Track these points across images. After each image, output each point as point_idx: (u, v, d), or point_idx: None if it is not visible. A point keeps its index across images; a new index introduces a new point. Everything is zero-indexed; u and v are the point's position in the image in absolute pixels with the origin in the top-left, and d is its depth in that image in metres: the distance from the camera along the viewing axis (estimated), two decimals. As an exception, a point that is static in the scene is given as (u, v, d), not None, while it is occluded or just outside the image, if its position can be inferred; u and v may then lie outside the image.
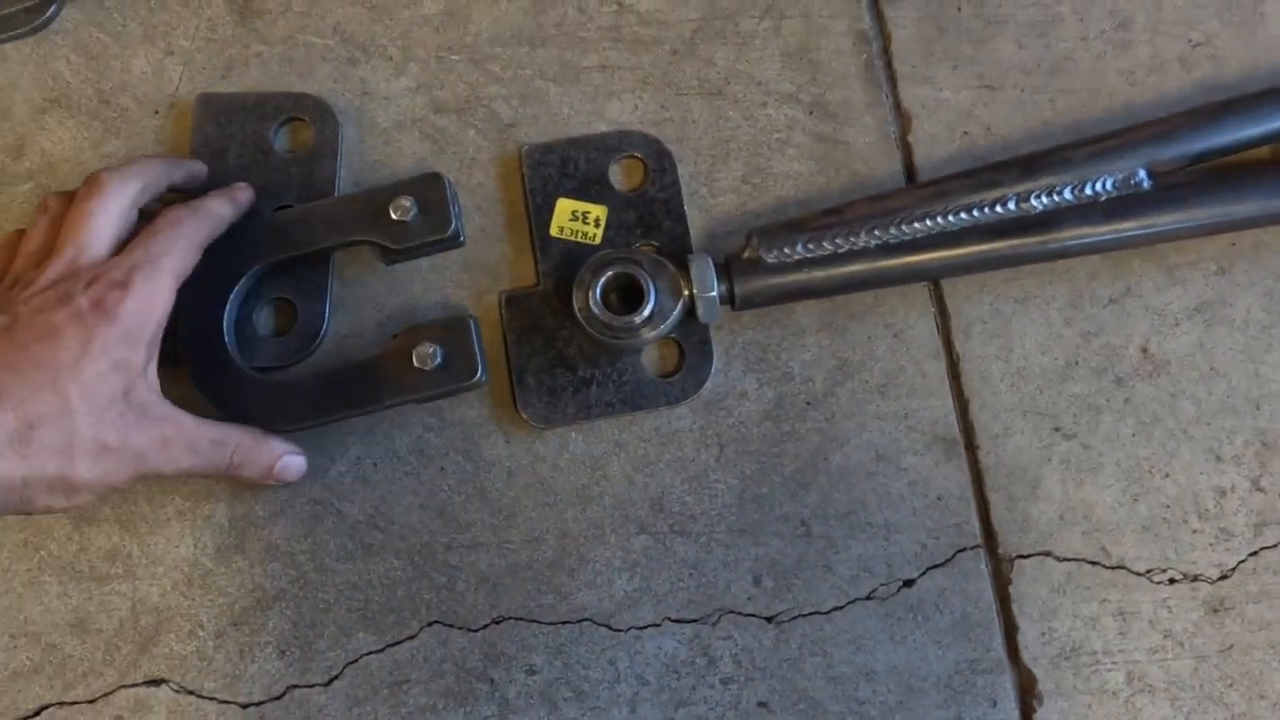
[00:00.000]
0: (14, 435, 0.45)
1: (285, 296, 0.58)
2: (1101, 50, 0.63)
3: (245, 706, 0.54)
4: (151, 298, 0.49)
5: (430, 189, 0.56)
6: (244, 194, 0.57)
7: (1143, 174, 0.56)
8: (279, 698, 0.54)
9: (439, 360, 0.54)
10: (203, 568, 0.56)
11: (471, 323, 0.55)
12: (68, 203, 0.53)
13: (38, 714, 0.55)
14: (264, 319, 0.59)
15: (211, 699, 0.54)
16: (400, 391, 0.54)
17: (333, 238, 0.56)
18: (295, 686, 0.54)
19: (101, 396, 0.47)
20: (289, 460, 0.54)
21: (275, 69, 0.63)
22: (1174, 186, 0.57)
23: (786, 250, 0.56)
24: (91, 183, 0.52)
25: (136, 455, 0.48)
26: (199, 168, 0.58)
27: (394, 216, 0.55)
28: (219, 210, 0.55)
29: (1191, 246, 0.60)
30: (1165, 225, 0.56)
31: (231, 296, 0.55)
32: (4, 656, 0.55)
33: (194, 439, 0.50)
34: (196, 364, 0.54)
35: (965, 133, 0.62)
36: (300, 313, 0.58)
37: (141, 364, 0.49)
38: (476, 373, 0.54)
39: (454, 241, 0.58)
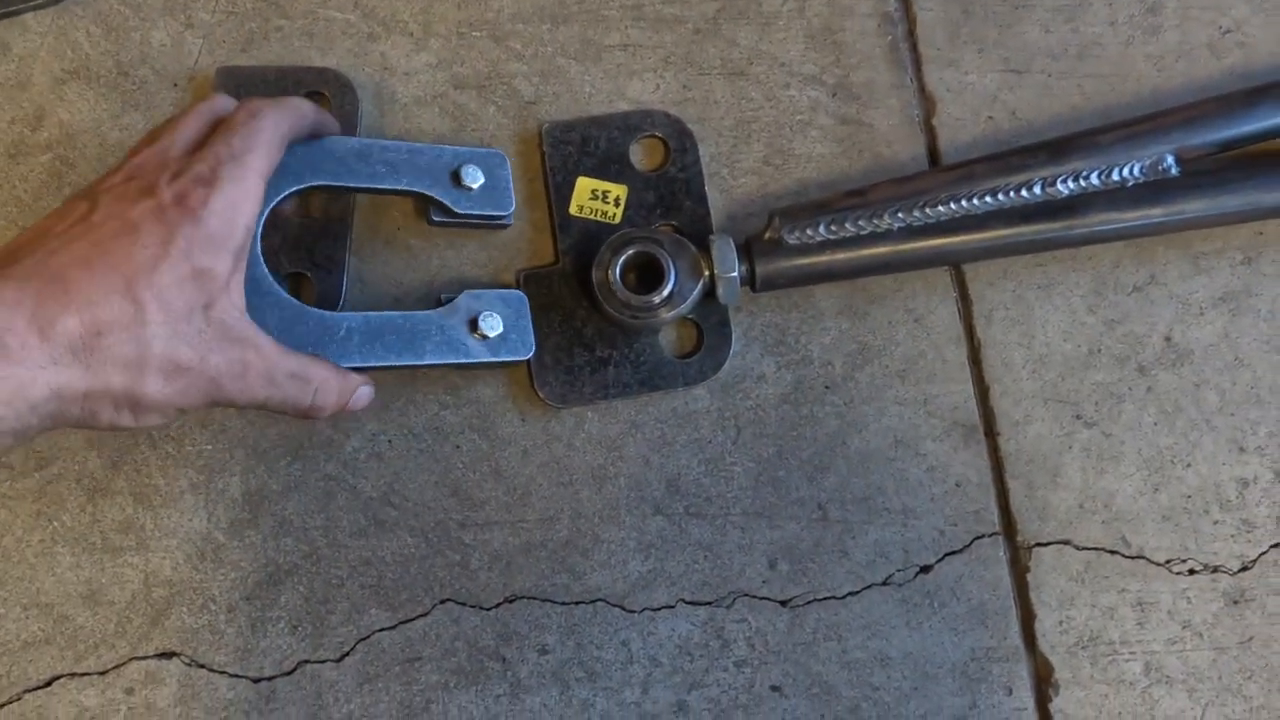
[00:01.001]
0: (79, 342, 0.40)
1: (301, 271, 0.58)
2: (1130, 35, 0.62)
3: (256, 681, 0.54)
4: (238, 198, 0.44)
5: (497, 166, 0.56)
6: (329, 116, 0.53)
7: (1171, 160, 0.56)
8: (290, 673, 0.54)
9: (499, 330, 0.53)
10: (215, 541, 0.56)
11: (527, 299, 0.55)
12: (222, 108, 0.49)
13: (49, 684, 0.54)
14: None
15: (223, 673, 0.54)
16: (448, 352, 0.53)
17: (389, 181, 0.54)
18: (307, 662, 0.54)
19: (179, 307, 0.42)
20: (364, 391, 0.50)
21: (295, 43, 0.62)
22: (1202, 173, 0.56)
23: (809, 232, 0.55)
24: (250, 106, 0.48)
25: (211, 379, 0.43)
26: (337, 127, 0.55)
27: (464, 181, 0.55)
28: (302, 107, 0.50)
29: (1218, 235, 0.59)
30: (1193, 213, 0.56)
31: (266, 211, 0.50)
32: (16, 626, 0.55)
33: (272, 370, 0.45)
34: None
35: (990, 117, 0.61)
36: (316, 287, 0.58)
37: (225, 274, 0.44)
38: (530, 349, 0.54)
39: (504, 223, 0.58)
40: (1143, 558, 0.56)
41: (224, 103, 0.50)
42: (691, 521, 0.56)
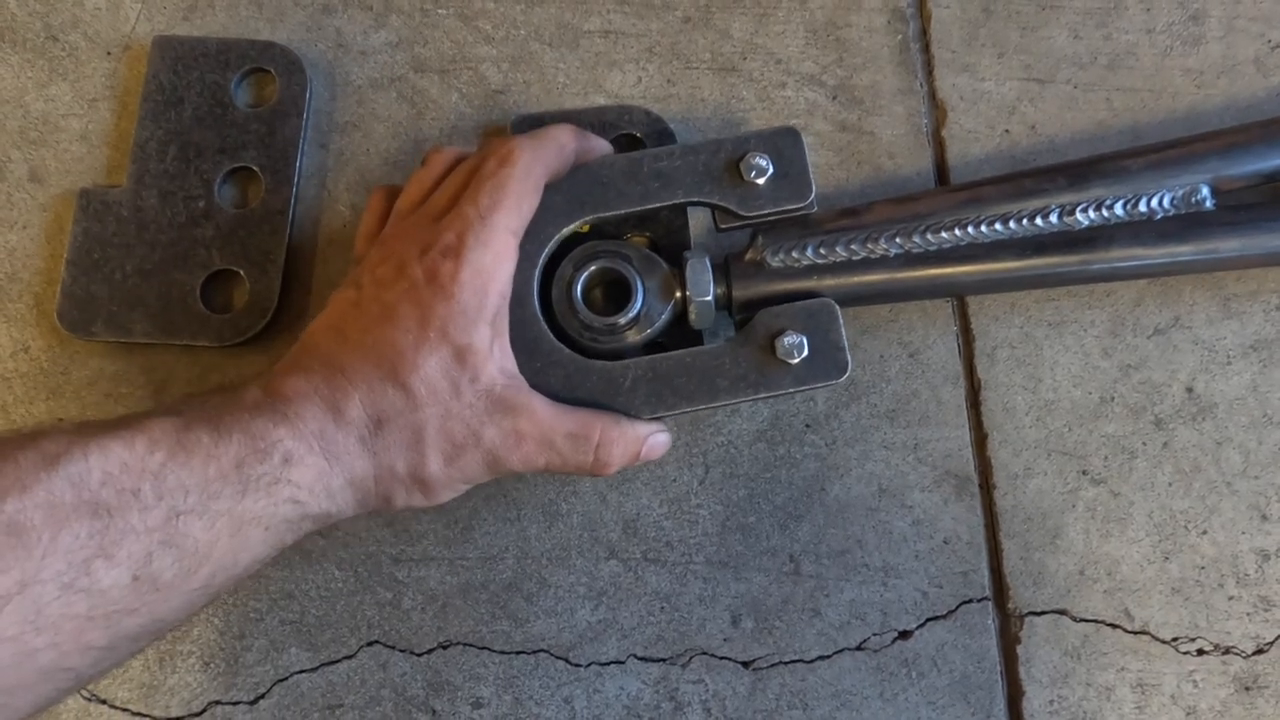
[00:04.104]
0: (366, 431, 0.41)
1: (233, 267, 0.53)
2: (1168, 45, 0.56)
3: (162, 721, 0.49)
4: (487, 264, 0.43)
5: (789, 146, 0.48)
6: (590, 138, 0.49)
7: (1206, 191, 0.50)
8: (199, 714, 0.49)
9: (805, 353, 0.46)
10: (125, 564, 0.50)
11: (838, 308, 0.47)
12: (478, 162, 0.46)
13: (-62, 711, 0.50)
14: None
15: (124, 709, 0.49)
16: (747, 387, 0.46)
17: (664, 196, 0.48)
18: (218, 703, 0.49)
19: (445, 388, 0.42)
20: (656, 440, 0.46)
21: (243, 13, 0.57)
22: (1240, 208, 0.50)
23: (794, 254, 0.49)
24: (500, 151, 0.45)
25: (488, 452, 0.43)
26: (605, 147, 0.50)
27: (746, 177, 0.47)
28: (562, 140, 0.47)
29: (1252, 275, 0.53)
30: (1227, 252, 0.50)
31: (540, 263, 0.47)
32: (-94, 646, 0.50)
33: (548, 434, 0.44)
34: (515, 334, 0.46)
35: (1006, 130, 0.55)
36: (250, 286, 0.52)
37: (486, 345, 0.42)
38: (845, 370, 0.46)
39: (810, 210, 0.48)
40: (1147, 633, 0.50)
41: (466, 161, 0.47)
42: (649, 568, 0.51)
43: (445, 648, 0.50)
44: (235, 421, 0.39)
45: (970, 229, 0.49)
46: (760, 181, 0.47)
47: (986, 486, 0.52)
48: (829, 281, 0.49)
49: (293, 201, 0.54)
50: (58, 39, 0.56)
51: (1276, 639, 0.50)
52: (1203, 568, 0.51)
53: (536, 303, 0.47)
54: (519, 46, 0.56)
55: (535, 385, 0.45)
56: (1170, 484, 0.52)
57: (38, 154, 0.55)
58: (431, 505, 0.44)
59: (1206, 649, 0.50)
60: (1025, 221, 0.50)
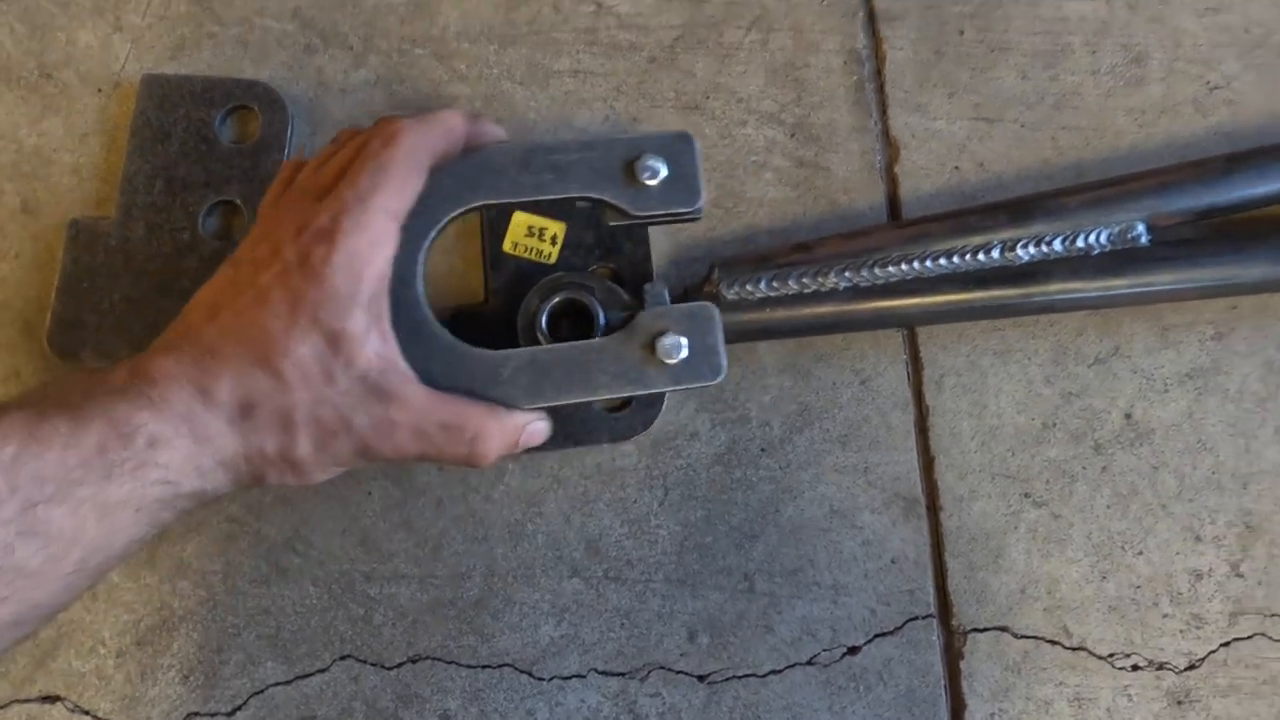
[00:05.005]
0: (235, 413, 0.41)
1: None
2: (1111, 86, 0.59)
3: (144, 730, 0.52)
4: (362, 249, 0.41)
5: (682, 151, 0.48)
6: (484, 122, 0.48)
7: (1141, 228, 0.52)
8: (179, 724, 0.52)
9: (684, 354, 0.47)
10: (109, 581, 0.53)
11: (717, 312, 0.48)
12: (365, 140, 0.45)
13: (-70, 721, 0.52)
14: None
15: (108, 720, 0.52)
16: (625, 384, 0.47)
17: (557, 189, 0.48)
18: (196, 714, 0.52)
19: (316, 374, 0.41)
20: (534, 429, 0.46)
21: (229, 52, 0.59)
22: (1175, 243, 0.53)
23: (749, 287, 0.52)
24: (386, 132, 0.44)
25: (359, 439, 0.42)
26: (499, 134, 0.49)
27: (640, 178, 0.47)
28: (451, 124, 0.46)
29: (1189, 307, 0.56)
30: (1161, 285, 0.52)
31: (425, 245, 0.46)
32: (-101, 657, 0.53)
33: (422, 423, 0.43)
34: (396, 317, 0.45)
35: (956, 167, 0.58)
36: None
37: (360, 330, 0.41)
38: (720, 372, 0.47)
39: (694, 217, 0.49)
40: (1084, 649, 0.53)
41: (350, 139, 0.46)
42: (610, 586, 0.53)
43: (415, 662, 0.52)
44: (97, 407, 0.39)
45: (916, 263, 0.52)
46: (652, 183, 0.47)
47: (933, 508, 0.54)
48: (781, 313, 0.52)
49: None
50: (51, 76, 0.59)
51: (1208, 655, 0.53)
52: (1138, 586, 0.53)
53: (420, 286, 0.46)
54: (492, 85, 0.59)
55: (416, 369, 0.44)
56: (1108, 506, 0.54)
57: (30, 186, 0.57)
58: (305, 484, 0.44)
59: (1141, 665, 0.53)
60: (969, 256, 0.52)
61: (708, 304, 0.48)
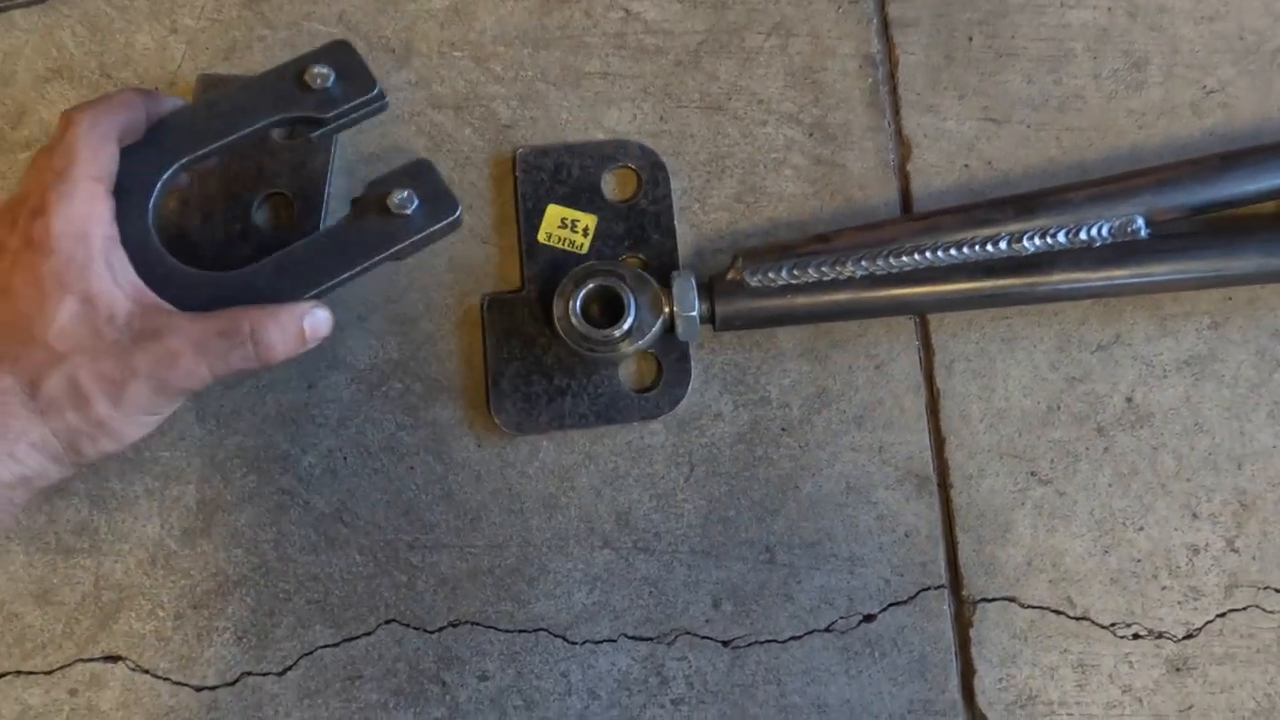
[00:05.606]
0: (25, 396, 0.43)
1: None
2: (1113, 89, 0.62)
3: (199, 689, 0.55)
4: (77, 212, 0.44)
5: (342, 53, 0.53)
6: (160, 96, 0.52)
7: (1140, 222, 0.55)
8: (232, 683, 0.55)
9: (415, 203, 0.51)
10: (167, 548, 0.56)
11: (431, 162, 0.53)
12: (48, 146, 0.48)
13: (-4, 680, 0.55)
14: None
15: (166, 679, 0.55)
16: (376, 248, 0.51)
17: (252, 121, 0.52)
18: (249, 674, 0.55)
19: (84, 334, 0.44)
20: (316, 315, 0.48)
21: (278, 53, 0.63)
22: (1172, 237, 0.56)
23: (770, 275, 0.55)
24: (64, 119, 0.47)
25: (149, 378, 0.44)
26: (178, 102, 0.52)
27: (314, 86, 0.52)
28: (124, 97, 0.49)
29: (1186, 297, 0.59)
30: (1159, 276, 0.55)
31: (150, 206, 0.50)
32: (-32, 620, 0.56)
33: (199, 341, 0.45)
34: (143, 274, 0.48)
35: (965, 165, 0.61)
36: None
37: (108, 284, 0.44)
38: (455, 209, 0.52)
39: (380, 102, 0.53)
40: (1087, 619, 0.56)
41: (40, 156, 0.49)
42: (639, 556, 0.56)
43: (455, 626, 0.55)
44: None
45: (928, 254, 0.55)
46: (328, 86, 0.52)
47: (944, 485, 0.57)
48: (801, 300, 0.55)
49: (322, 223, 0.59)
50: (110, 76, 0.62)
51: (1204, 625, 0.56)
52: (1139, 560, 0.56)
53: (157, 242, 0.49)
54: (526, 86, 0.62)
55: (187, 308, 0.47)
56: (1110, 485, 0.57)
57: (92, 179, 0.61)
58: (124, 447, 0.46)
59: (1141, 633, 0.56)
60: (977, 247, 0.55)
61: (423, 158, 0.53)
